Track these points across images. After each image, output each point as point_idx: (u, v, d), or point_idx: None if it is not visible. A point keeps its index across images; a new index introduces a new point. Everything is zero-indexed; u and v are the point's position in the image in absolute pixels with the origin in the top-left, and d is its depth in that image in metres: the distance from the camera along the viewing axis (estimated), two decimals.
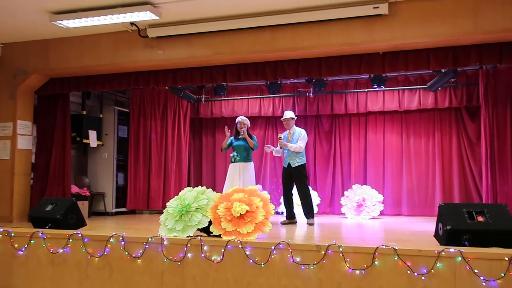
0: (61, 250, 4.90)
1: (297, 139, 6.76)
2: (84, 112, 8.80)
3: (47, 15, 6.02)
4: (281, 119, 7.09)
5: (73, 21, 6.05)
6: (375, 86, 7.99)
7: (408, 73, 8.08)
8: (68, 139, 7.94)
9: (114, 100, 9.57)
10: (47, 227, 5.28)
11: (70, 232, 4.97)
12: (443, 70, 7.00)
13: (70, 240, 4.88)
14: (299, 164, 6.73)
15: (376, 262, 3.83)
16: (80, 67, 6.86)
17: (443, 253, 3.68)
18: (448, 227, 3.96)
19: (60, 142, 7.84)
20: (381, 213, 8.32)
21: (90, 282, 4.76)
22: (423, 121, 8.83)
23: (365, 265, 3.84)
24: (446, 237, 3.98)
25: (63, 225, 5.33)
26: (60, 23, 6.09)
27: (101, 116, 9.20)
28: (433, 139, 8.74)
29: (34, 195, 7.58)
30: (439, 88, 8.05)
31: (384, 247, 3.85)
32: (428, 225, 6.42)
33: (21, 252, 5.08)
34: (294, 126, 6.92)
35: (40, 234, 5.03)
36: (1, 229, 5.23)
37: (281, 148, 6.81)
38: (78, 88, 7.71)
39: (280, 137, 6.83)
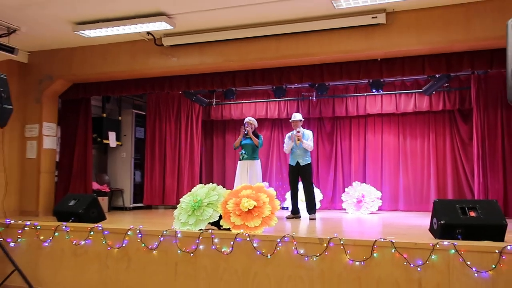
0: (83, 242, 4.93)
1: (306, 139, 6.76)
2: (104, 115, 8.84)
3: (70, 26, 6.05)
4: (290, 120, 7.07)
5: (94, 31, 6.09)
6: (374, 90, 7.97)
7: (405, 78, 8.04)
8: (89, 140, 7.97)
9: (131, 104, 9.61)
10: (70, 220, 5.30)
11: (91, 225, 5.00)
12: (437, 75, 6.96)
13: (91, 232, 4.91)
14: (307, 163, 6.75)
15: (374, 254, 3.82)
16: (101, 73, 6.89)
17: (437, 246, 3.66)
18: (442, 222, 3.94)
19: (82, 143, 7.88)
20: (379, 209, 8.29)
21: (110, 272, 4.78)
22: (418, 123, 8.79)
23: (364, 257, 3.83)
24: (440, 231, 3.96)
25: (85, 219, 5.36)
26: (83, 33, 6.12)
27: (120, 118, 9.24)
28: (428, 139, 8.70)
29: (58, 191, 7.61)
30: (434, 92, 8.00)
31: (382, 240, 3.84)
32: (423, 220, 6.38)
33: (46, 244, 5.11)
34: (301, 128, 6.92)
35: (63, 227, 5.07)
36: (28, 223, 5.27)
37: (297, 140, 6.67)
38: (99, 93, 7.74)
39: (299, 131, 6.74)
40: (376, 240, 3.84)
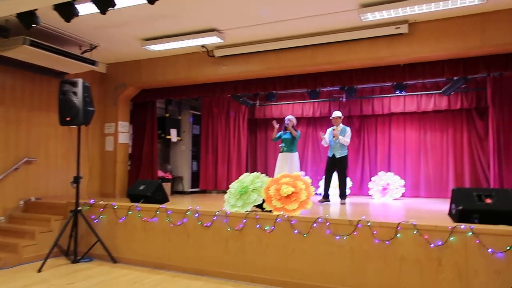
0: (151, 220, 5.07)
1: (343, 134, 6.66)
2: (167, 115, 9.02)
3: (139, 42, 6.20)
4: (330, 117, 6.99)
5: (158, 46, 6.21)
6: (397, 92, 7.70)
7: (425, 80, 7.72)
8: (155, 136, 8.15)
9: (189, 105, 9.76)
10: (141, 202, 5.46)
11: (157, 206, 5.13)
12: (455, 78, 6.64)
13: (158, 212, 5.04)
14: (343, 155, 6.65)
15: (398, 235, 3.72)
16: (163, 80, 7.03)
17: (456, 228, 3.52)
18: (460, 207, 3.77)
19: (149, 138, 8.06)
20: (403, 195, 8.04)
21: (172, 244, 4.90)
22: (438, 120, 8.42)
23: (389, 237, 3.74)
24: (458, 215, 3.79)
25: (152, 200, 5.48)
26: (149, 47, 6.26)
27: (179, 118, 9.41)
28: (446, 135, 8.33)
29: (130, 177, 7.79)
30: (452, 93, 7.65)
31: (405, 222, 3.73)
32: (443, 206, 6.14)
33: (122, 220, 5.30)
34: (341, 124, 6.83)
35: (135, 207, 5.23)
36: (109, 203, 5.49)
37: (333, 136, 6.66)
38: (162, 97, 7.89)
39: (335, 129, 6.72)
40: (400, 223, 3.73)
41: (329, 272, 3.98)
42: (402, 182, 7.99)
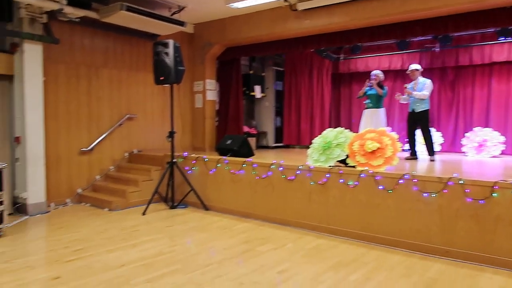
0: (238, 172, 5.32)
1: (421, 88, 6.19)
2: (251, 72, 9.12)
3: (223, 0, 6.24)
4: (407, 71, 6.52)
5: (242, 3, 6.18)
6: (502, 38, 6.77)
7: None
8: (240, 92, 8.33)
9: (272, 62, 9.73)
10: (228, 155, 5.73)
11: (244, 159, 5.34)
12: None
13: (244, 165, 5.27)
14: (422, 109, 6.20)
15: (494, 194, 3.44)
16: (247, 37, 7.04)
17: None
18: None
19: (235, 95, 8.27)
20: (502, 153, 7.27)
21: (258, 195, 5.12)
22: None
23: (484, 196, 3.48)
24: None
25: (239, 154, 5.73)
26: (232, 5, 6.27)
27: (263, 74, 9.46)
28: None
29: (218, 132, 8.12)
30: None
31: (503, 181, 3.42)
32: None
33: (212, 172, 5.64)
34: (419, 77, 6.33)
35: (223, 160, 5.52)
36: (200, 156, 5.87)
37: (408, 95, 6.33)
38: (246, 54, 7.96)
39: (406, 87, 6.35)
40: (496, 181, 3.44)
41: (415, 228, 3.87)
42: (502, 138, 7.23)
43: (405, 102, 6.54)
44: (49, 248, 3.94)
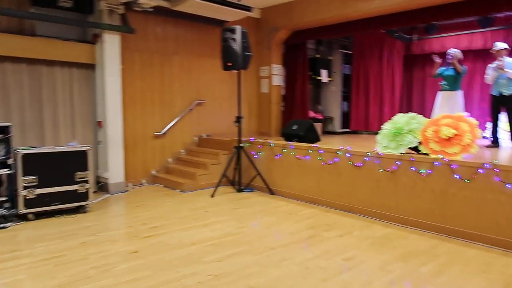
0: (304, 158, 5.32)
1: (510, 68, 5.61)
2: (318, 56, 8.97)
3: None
4: (491, 50, 5.94)
5: None
6: None
7: None
8: (306, 77, 8.25)
9: (340, 45, 9.46)
10: (294, 140, 5.74)
11: (310, 145, 5.32)
12: None
13: (310, 150, 5.25)
14: (511, 93, 5.63)
15: None
16: (314, 20, 6.90)
17: None
18: None
19: (301, 79, 8.22)
20: None
21: (324, 181, 5.08)
22: None
23: None
24: None
25: (304, 139, 5.70)
26: None
27: (330, 58, 9.25)
28: None
29: (284, 118, 8.16)
30: None
31: None
32: None
33: (278, 157, 5.70)
34: (505, 57, 5.74)
35: (289, 145, 5.54)
36: (266, 141, 5.94)
37: (498, 69, 5.65)
38: (314, 37, 7.82)
39: (501, 59, 5.66)
40: None
41: (495, 222, 3.60)
42: None
43: (489, 83, 5.97)
44: (128, 224, 4.28)
